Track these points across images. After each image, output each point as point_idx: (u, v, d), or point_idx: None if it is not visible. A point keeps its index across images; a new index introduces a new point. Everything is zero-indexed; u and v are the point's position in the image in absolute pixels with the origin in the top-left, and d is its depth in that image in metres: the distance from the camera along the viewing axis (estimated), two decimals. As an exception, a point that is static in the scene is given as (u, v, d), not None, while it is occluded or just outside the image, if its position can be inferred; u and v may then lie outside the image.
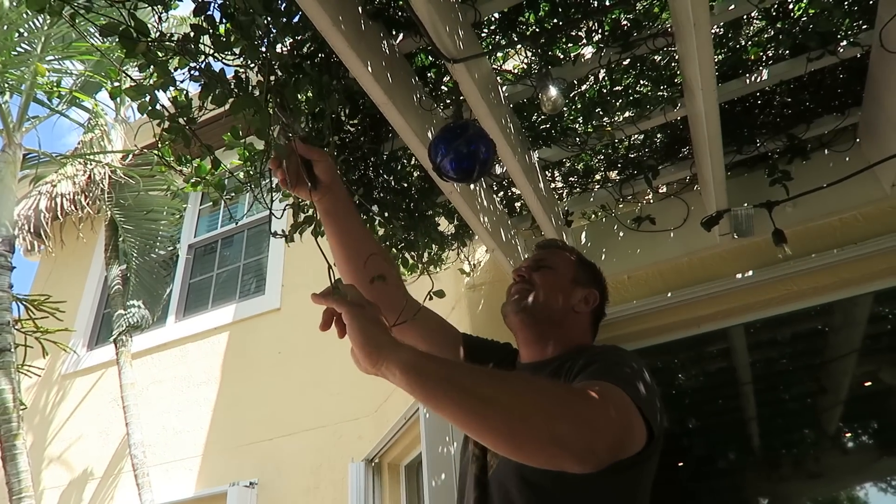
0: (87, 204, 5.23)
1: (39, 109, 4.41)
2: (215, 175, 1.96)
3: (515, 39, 1.97)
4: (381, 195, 2.23)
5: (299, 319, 4.68)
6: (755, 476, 3.39)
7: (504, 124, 1.89)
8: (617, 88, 2.14)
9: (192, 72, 1.52)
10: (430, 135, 1.81)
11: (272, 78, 1.73)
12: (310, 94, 1.80)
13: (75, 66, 4.47)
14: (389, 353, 0.93)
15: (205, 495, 4.33)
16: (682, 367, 3.18)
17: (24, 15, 3.87)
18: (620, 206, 2.68)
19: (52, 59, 4.21)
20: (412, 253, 2.49)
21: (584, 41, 2.00)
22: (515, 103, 2.13)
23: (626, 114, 2.18)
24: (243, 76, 1.68)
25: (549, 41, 2.00)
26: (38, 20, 4.01)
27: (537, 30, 1.95)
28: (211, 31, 1.54)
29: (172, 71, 1.60)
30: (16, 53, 4.00)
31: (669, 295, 2.52)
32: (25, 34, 4.05)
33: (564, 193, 2.66)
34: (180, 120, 1.62)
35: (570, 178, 2.65)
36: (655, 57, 2.07)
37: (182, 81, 1.61)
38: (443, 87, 2.11)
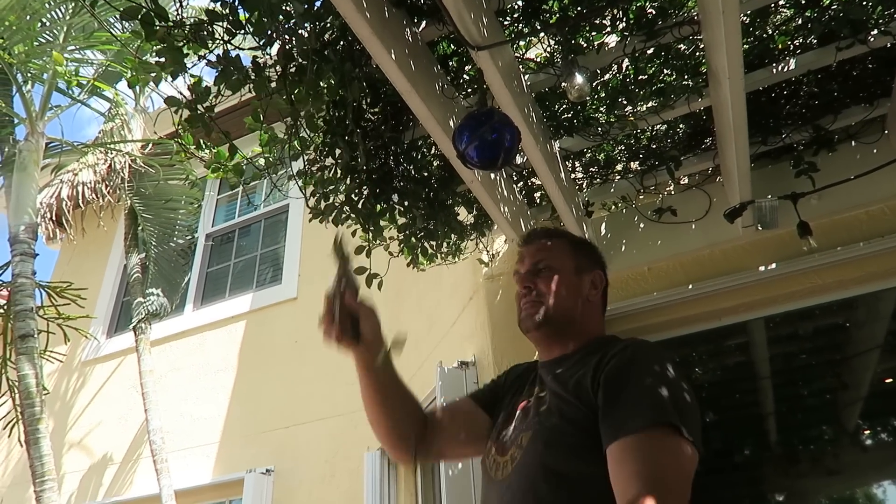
0: (108, 193, 5.28)
1: (62, 99, 4.46)
2: (234, 161, 1.97)
3: (539, 27, 1.96)
4: (402, 184, 2.23)
5: (316, 309, 4.63)
6: (772, 471, 3.36)
7: (526, 113, 1.88)
8: (641, 77, 2.11)
9: (209, 56, 1.53)
10: (452, 123, 1.80)
11: (292, 66, 1.73)
12: (332, 81, 1.80)
13: (96, 56, 4.51)
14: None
15: (222, 482, 4.37)
16: (701, 359, 3.16)
17: (47, 4, 3.91)
18: (641, 197, 2.65)
19: (74, 49, 4.25)
20: (431, 242, 2.48)
21: (609, 29, 1.98)
22: (537, 92, 2.12)
23: (650, 103, 2.16)
24: (261, 62, 1.68)
25: (573, 29, 1.98)
26: (60, 10, 4.05)
27: (561, 17, 1.93)
28: (231, 17, 1.54)
29: (191, 58, 1.62)
30: (38, 43, 4.04)
31: (690, 287, 2.50)
32: (48, 24, 4.09)
33: (585, 184, 2.64)
34: (199, 107, 1.63)
35: (591, 169, 2.64)
36: (681, 45, 2.04)
37: (194, 66, 1.62)
38: (465, 76, 2.10)
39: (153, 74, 1.61)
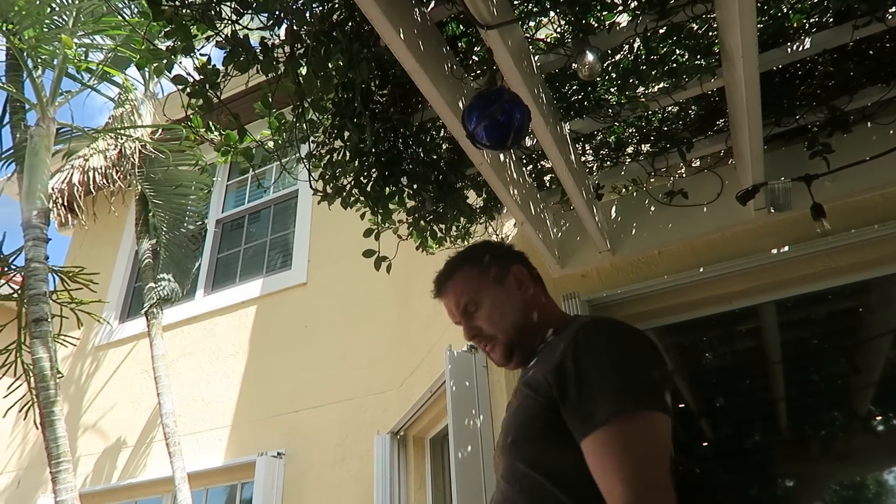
0: (119, 178, 5.30)
1: (72, 85, 4.46)
2: (243, 144, 1.97)
3: (549, 6, 1.93)
4: (410, 167, 2.22)
5: (325, 294, 4.72)
6: (782, 456, 3.36)
7: (536, 94, 1.86)
8: (653, 58, 2.08)
9: (217, 37, 1.52)
10: (461, 105, 1.79)
11: (300, 47, 1.72)
12: (340, 62, 1.79)
13: (105, 41, 4.50)
14: None
15: (234, 465, 4.42)
16: (712, 343, 3.15)
17: (56, -11, 3.91)
18: (652, 179, 2.63)
19: (83, 34, 4.25)
20: (440, 225, 2.48)
21: (620, 8, 1.95)
22: (548, 73, 2.09)
23: (662, 84, 2.13)
24: (269, 43, 1.67)
25: (584, 8, 1.96)
26: (69, -6, 4.05)
27: (572, -4, 1.90)
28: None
29: (200, 40, 1.61)
30: (47, 29, 4.04)
31: (701, 270, 2.48)
32: (57, 8, 4.08)
33: (595, 167, 2.62)
34: (207, 88, 1.63)
35: (602, 151, 2.61)
36: (694, 24, 2.01)
37: (202, 48, 1.61)
38: (474, 57, 2.08)
39: (164, 61, 1.61)
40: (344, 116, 2.02)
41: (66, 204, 5.37)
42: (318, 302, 4.74)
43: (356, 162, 2.13)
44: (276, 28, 1.73)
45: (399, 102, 2.10)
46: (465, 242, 2.63)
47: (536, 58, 1.97)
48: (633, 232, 2.64)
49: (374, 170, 2.17)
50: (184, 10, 1.44)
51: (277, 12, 1.62)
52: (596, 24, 1.99)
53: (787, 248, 2.39)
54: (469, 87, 1.92)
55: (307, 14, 1.69)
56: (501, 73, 1.73)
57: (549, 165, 2.51)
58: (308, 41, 1.72)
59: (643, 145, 2.53)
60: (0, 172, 4.52)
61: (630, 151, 2.56)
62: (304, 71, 1.73)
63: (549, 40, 2.07)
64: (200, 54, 1.59)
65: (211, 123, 1.92)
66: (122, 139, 5.24)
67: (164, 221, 5.34)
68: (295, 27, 1.70)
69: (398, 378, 3.91)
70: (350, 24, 1.81)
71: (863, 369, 3.23)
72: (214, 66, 1.60)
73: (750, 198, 2.26)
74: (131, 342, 5.52)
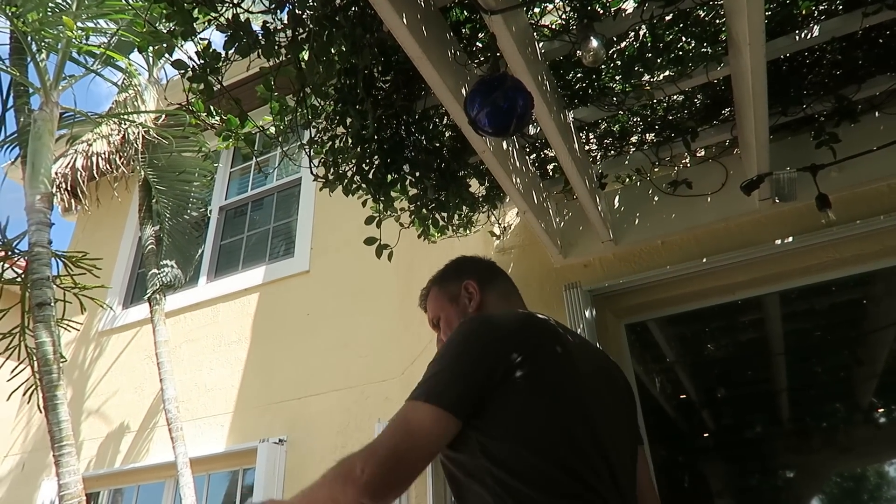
0: (122, 164, 5.29)
1: (76, 69, 4.43)
2: (245, 130, 1.96)
3: (554, -9, 1.91)
4: (413, 154, 2.21)
5: (328, 282, 4.72)
6: (784, 447, 3.35)
7: (540, 81, 1.84)
8: (658, 45, 2.06)
9: (217, 20, 1.50)
10: (464, 91, 1.77)
11: (303, 31, 1.71)
12: (343, 48, 1.78)
13: (109, 25, 4.48)
14: None
15: (236, 451, 4.44)
16: (714, 334, 3.14)
17: (59, -28, 3.88)
18: (656, 169, 2.61)
19: (87, 17, 4.23)
20: (442, 214, 2.47)
21: (626, -6, 1.93)
22: (551, 61, 2.07)
23: (667, 72, 2.11)
24: (271, 28, 1.66)
25: (590, -6, 1.94)
26: (72, -22, 4.02)
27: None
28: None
29: (201, 24, 1.60)
30: (51, 13, 4.02)
31: (704, 261, 2.46)
32: (60, -8, 4.06)
33: (599, 156, 2.60)
34: (207, 72, 1.62)
35: (605, 140, 2.59)
36: (700, 11, 1.98)
37: (203, 31, 1.60)
38: (478, 44, 2.06)
39: (165, 45, 1.60)
40: (346, 102, 2.01)
41: (69, 189, 5.37)
42: (320, 290, 4.75)
43: (358, 149, 2.12)
44: (279, 12, 1.72)
45: (402, 89, 2.09)
46: (468, 232, 2.62)
47: (541, 44, 1.95)
48: (637, 222, 2.62)
49: (375, 157, 2.16)
50: (183, -6, 1.43)
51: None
52: (601, 11, 1.97)
53: (791, 239, 2.38)
54: (473, 73, 1.90)
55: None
56: (505, 60, 1.71)
57: (552, 154, 2.49)
58: (310, 25, 1.70)
59: (648, 134, 2.51)
60: (4, 157, 4.52)
61: (634, 140, 2.54)
62: (306, 56, 1.72)
63: (553, 27, 2.05)
64: (201, 39, 1.57)
65: (212, 108, 1.90)
66: (125, 124, 5.23)
67: (168, 208, 5.34)
68: (297, 11, 1.68)
69: (400, 366, 3.92)
70: (353, 8, 1.79)
71: (866, 361, 3.22)
72: (215, 50, 1.59)
73: (755, 188, 2.24)
74: (134, 328, 5.53)
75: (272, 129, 2.08)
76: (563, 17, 2.03)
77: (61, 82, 4.15)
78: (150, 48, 1.75)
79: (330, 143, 2.20)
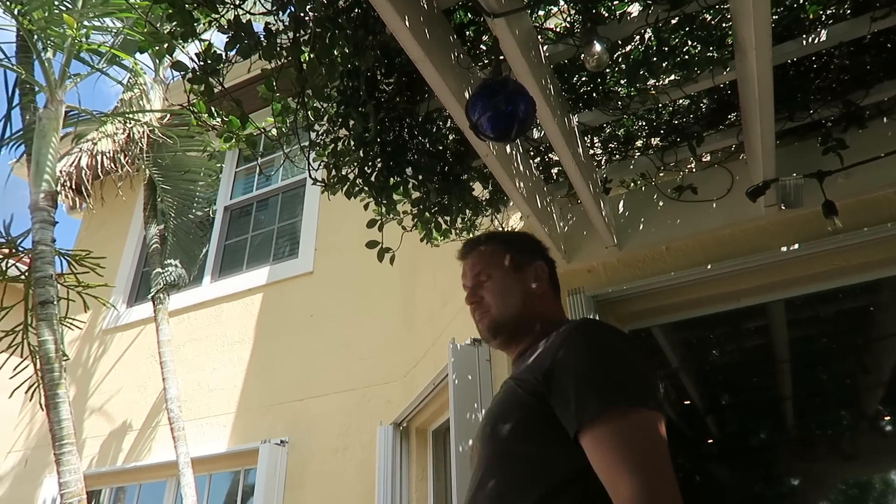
0: (127, 163, 5.30)
1: (81, 68, 4.44)
2: (246, 131, 1.95)
3: (558, -5, 1.89)
4: (416, 157, 2.20)
5: (331, 283, 4.72)
6: (789, 454, 3.32)
7: (544, 85, 1.82)
8: (664, 49, 2.04)
9: (218, 21, 1.50)
10: (466, 94, 1.76)
11: (305, 33, 1.69)
12: (346, 50, 1.77)
13: (115, 24, 4.49)
14: None
15: (237, 451, 4.44)
16: (719, 341, 3.11)
17: (65, -29, 3.89)
18: (661, 174, 2.59)
19: (92, 16, 4.23)
20: (445, 217, 2.45)
21: (632, -3, 1.91)
22: (556, 64, 2.06)
23: (672, 76, 2.09)
24: (273, 29, 1.65)
25: (595, -3, 1.92)
26: (78, -23, 4.02)
27: (582, -15, 1.86)
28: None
29: (202, 26, 1.59)
30: (56, 12, 4.03)
31: (709, 267, 2.44)
32: (66, -9, 4.06)
33: (603, 160, 2.58)
34: (208, 74, 1.61)
35: (610, 145, 2.57)
36: (706, 15, 1.96)
37: (204, 32, 1.59)
38: (481, 46, 2.05)
39: (166, 45, 1.59)
40: (349, 105, 2.00)
41: (74, 187, 5.38)
42: (324, 291, 4.74)
43: (360, 151, 2.11)
44: (281, 13, 1.71)
45: (405, 91, 2.07)
46: (471, 235, 2.61)
47: (545, 48, 1.93)
48: (641, 227, 2.60)
49: (378, 160, 2.15)
50: (185, -5, 1.42)
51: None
52: (607, 14, 1.95)
53: (797, 246, 2.35)
54: (476, 76, 1.88)
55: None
56: (508, 63, 1.70)
57: (556, 158, 2.47)
58: (312, 27, 1.69)
59: (653, 139, 2.49)
60: (10, 154, 4.53)
61: (639, 145, 2.52)
62: (307, 57, 1.70)
63: (558, 30, 2.03)
64: (203, 40, 1.56)
65: (214, 110, 1.90)
66: (130, 123, 5.24)
67: (172, 207, 5.34)
68: (299, 12, 1.67)
69: (402, 369, 3.90)
70: (356, 10, 1.78)
71: (872, 369, 3.18)
72: (215, 51, 1.58)
73: (760, 194, 2.22)
74: (138, 327, 5.55)
75: (273, 131, 2.07)
76: (568, 20, 2.01)
77: (67, 81, 4.16)
78: (151, 49, 1.75)
79: (332, 145, 2.19)
